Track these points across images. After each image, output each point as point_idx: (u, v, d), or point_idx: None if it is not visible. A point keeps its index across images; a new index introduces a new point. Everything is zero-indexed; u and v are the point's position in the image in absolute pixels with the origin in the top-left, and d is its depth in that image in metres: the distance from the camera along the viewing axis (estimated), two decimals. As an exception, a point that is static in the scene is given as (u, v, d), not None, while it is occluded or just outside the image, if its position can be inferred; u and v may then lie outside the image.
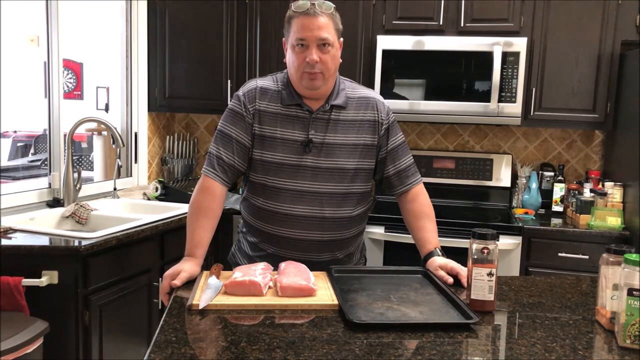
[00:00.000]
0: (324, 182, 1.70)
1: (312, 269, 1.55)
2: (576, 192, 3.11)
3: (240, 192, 1.88)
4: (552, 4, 3.03)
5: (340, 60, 1.72)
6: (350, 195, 1.74)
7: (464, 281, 1.54)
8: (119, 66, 3.47)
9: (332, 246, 1.76)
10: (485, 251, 1.37)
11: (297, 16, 1.63)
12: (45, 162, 3.10)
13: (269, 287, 1.46)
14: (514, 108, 3.02)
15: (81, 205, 2.73)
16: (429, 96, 3.13)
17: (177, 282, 1.50)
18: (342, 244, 1.78)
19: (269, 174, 1.71)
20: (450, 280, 1.59)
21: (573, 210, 3.06)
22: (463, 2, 3.10)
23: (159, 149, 3.74)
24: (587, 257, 2.79)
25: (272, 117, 1.72)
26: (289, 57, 1.69)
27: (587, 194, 3.02)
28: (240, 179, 1.86)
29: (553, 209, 3.25)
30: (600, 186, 3.09)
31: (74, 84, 5.78)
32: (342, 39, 1.72)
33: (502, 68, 2.99)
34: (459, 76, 3.12)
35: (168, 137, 3.78)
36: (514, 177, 3.42)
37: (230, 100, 1.79)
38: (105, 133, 3.56)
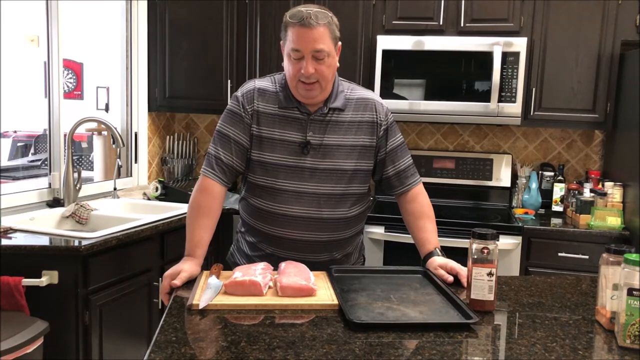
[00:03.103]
0: (322, 183, 1.70)
1: (310, 269, 1.55)
2: (576, 192, 3.11)
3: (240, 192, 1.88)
4: (552, 4, 3.03)
5: (338, 65, 1.72)
6: (348, 196, 1.74)
7: (464, 281, 1.54)
8: (119, 66, 3.47)
9: (330, 247, 1.76)
10: (485, 251, 1.38)
11: (292, 25, 1.61)
12: (45, 162, 3.10)
13: (269, 287, 1.46)
14: (514, 108, 3.02)
15: (81, 205, 2.73)
16: (429, 96, 3.13)
17: (177, 282, 1.50)
18: (340, 244, 1.78)
19: (268, 174, 1.71)
20: (450, 279, 1.59)
21: (573, 210, 3.06)
22: (463, 2, 3.10)
23: (159, 149, 3.74)
24: (587, 257, 2.79)
25: (270, 118, 1.72)
26: (286, 64, 1.69)
27: (587, 194, 3.02)
28: (240, 179, 1.86)
29: (553, 209, 3.25)
30: (600, 186, 3.08)
31: (74, 84, 5.78)
32: (340, 43, 1.71)
33: (502, 68, 2.99)
34: (459, 76, 3.12)
35: (168, 137, 3.78)
36: (514, 177, 3.42)
37: (229, 101, 1.80)
38: (105, 133, 3.56)
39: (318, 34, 1.59)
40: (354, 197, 1.76)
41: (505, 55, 3.00)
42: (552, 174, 3.36)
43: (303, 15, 1.59)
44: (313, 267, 1.59)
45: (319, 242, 1.73)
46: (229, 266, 1.82)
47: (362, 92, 1.80)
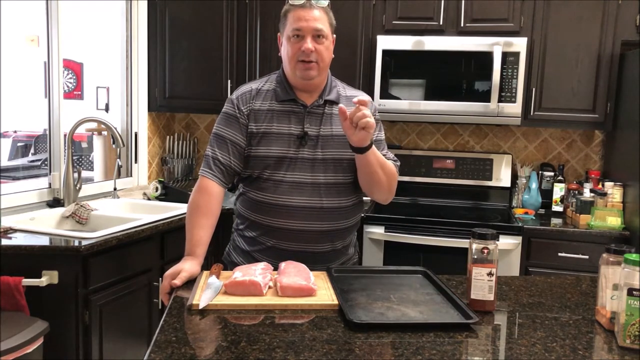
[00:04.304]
0: (322, 173, 1.74)
1: (312, 260, 1.56)
2: (576, 192, 3.11)
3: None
4: (552, 4, 3.03)
5: (333, 56, 1.77)
6: (347, 185, 1.77)
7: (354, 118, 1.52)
8: (119, 66, 3.47)
9: (332, 236, 1.78)
10: (485, 251, 1.38)
11: (293, 9, 1.70)
12: (45, 162, 3.10)
13: (269, 287, 1.46)
14: (514, 108, 3.02)
15: (81, 205, 2.73)
16: (429, 96, 3.13)
17: (178, 281, 1.51)
18: (341, 234, 1.80)
19: (269, 168, 1.73)
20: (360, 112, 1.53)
21: (573, 210, 3.06)
22: (463, 2, 3.10)
23: (159, 149, 3.74)
24: (587, 257, 2.79)
25: (269, 114, 1.75)
26: (284, 49, 1.75)
27: (587, 194, 3.02)
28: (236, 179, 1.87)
29: (553, 209, 3.25)
30: (600, 186, 3.08)
31: (74, 84, 5.78)
32: (334, 36, 1.78)
33: (502, 68, 2.99)
34: (459, 76, 3.12)
35: (168, 137, 3.78)
36: (514, 177, 3.42)
37: (225, 105, 1.83)
38: (105, 133, 3.56)
39: (318, 15, 1.69)
40: (352, 186, 1.79)
41: (505, 55, 3.00)
42: (552, 174, 3.35)
43: (304, 1, 1.68)
44: (315, 257, 1.62)
45: (320, 232, 1.75)
46: (227, 266, 1.83)
47: (353, 91, 1.89)
